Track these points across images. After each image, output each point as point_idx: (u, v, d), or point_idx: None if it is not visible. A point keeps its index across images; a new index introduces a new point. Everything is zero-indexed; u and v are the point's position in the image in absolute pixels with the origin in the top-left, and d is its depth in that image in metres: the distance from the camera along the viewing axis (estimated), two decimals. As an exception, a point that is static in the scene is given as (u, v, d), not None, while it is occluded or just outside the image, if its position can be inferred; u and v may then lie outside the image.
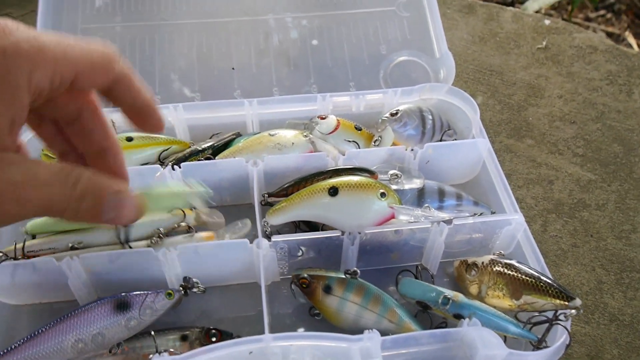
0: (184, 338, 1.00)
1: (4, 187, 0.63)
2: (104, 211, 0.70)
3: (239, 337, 0.91)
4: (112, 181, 0.72)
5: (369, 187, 1.08)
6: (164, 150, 1.29)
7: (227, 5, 1.58)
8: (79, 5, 1.54)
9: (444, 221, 1.08)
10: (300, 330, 1.07)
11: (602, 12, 3.50)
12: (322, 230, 1.12)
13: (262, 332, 0.91)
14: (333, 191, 1.07)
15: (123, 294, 0.95)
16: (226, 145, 1.30)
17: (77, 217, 0.70)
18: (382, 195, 1.07)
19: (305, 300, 1.09)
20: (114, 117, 1.32)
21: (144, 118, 0.79)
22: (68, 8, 1.53)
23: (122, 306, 0.93)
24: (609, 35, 3.11)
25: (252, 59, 1.53)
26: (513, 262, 1.06)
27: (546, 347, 0.98)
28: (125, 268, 1.04)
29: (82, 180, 0.69)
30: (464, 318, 0.98)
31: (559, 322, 0.97)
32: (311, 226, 1.19)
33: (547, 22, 1.86)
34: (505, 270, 1.05)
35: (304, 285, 1.04)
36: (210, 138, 1.33)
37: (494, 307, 1.03)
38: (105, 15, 1.53)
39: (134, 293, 0.95)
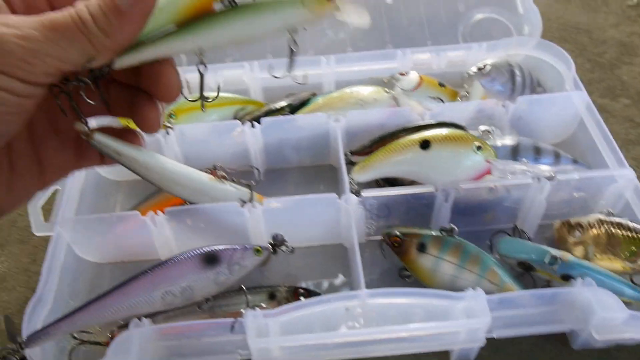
0: (271, 296, 0.96)
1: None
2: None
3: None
4: None
5: (464, 140, 1.00)
6: (239, 110, 1.25)
7: (297, -36, 1.53)
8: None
9: (545, 177, 1.00)
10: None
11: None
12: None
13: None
14: (425, 144, 1.00)
15: (213, 247, 0.90)
16: (302, 105, 1.25)
17: (101, 26, 0.61)
18: (478, 148, 1.00)
19: (393, 262, 1.03)
20: (187, 77, 1.29)
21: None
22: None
23: (211, 260, 0.89)
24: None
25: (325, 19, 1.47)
26: (625, 220, 0.97)
27: (666, 312, 0.89)
28: (209, 223, 1.00)
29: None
30: (573, 279, 0.89)
31: (684, 284, 0.88)
32: (393, 185, 1.12)
33: (636, -22, 1.72)
34: (617, 230, 0.96)
35: (396, 244, 0.97)
36: (286, 98, 1.27)
37: (604, 269, 0.94)
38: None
39: (223, 247, 0.91)
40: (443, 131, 1.03)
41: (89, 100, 0.69)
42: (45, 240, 1.03)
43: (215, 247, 0.92)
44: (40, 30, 0.60)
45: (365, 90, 1.19)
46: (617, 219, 0.97)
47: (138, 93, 0.77)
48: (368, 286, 1.03)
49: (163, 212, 0.97)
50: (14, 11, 0.68)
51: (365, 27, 0.84)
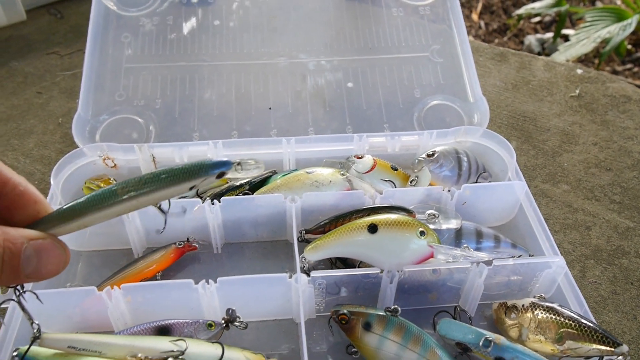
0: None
1: None
2: (22, 264, 0.64)
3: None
4: (25, 230, 0.66)
5: (409, 225, 1.08)
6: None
7: (265, 47, 1.64)
8: (124, 45, 1.60)
9: (483, 262, 1.07)
10: (337, 369, 1.06)
11: (629, 65, 3.53)
12: (359, 267, 1.12)
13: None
14: (372, 228, 1.07)
15: (166, 321, 0.94)
16: (262, 182, 1.32)
17: None
18: (422, 233, 1.07)
19: (342, 338, 1.07)
20: (154, 152, 1.35)
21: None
22: (114, 48, 1.59)
23: (163, 333, 0.93)
24: (637, 87, 3.13)
25: (289, 99, 1.57)
26: (555, 305, 1.04)
27: (591, 395, 0.95)
28: (164, 300, 1.04)
29: None
30: (505, 361, 0.95)
31: (605, 368, 0.95)
32: (347, 264, 1.19)
33: (579, 71, 1.87)
34: (547, 314, 1.03)
35: (343, 322, 1.03)
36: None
37: (536, 351, 1.00)
38: (148, 55, 1.59)
39: (176, 321, 0.95)
40: (391, 216, 1.10)
41: None
42: (2, 310, 1.05)
43: (169, 321, 0.96)
44: None
45: (322, 172, 1.27)
46: (548, 304, 1.04)
47: None
48: (316, 360, 1.07)
49: (119, 288, 1.01)
50: None
51: None
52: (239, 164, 0.73)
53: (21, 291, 0.75)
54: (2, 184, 0.69)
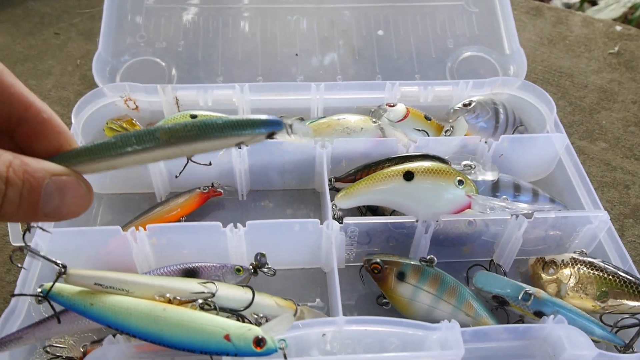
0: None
1: None
2: (42, 200, 0.56)
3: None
4: (47, 163, 0.58)
5: (446, 173, 1.03)
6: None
7: (293, -9, 1.56)
8: (145, -15, 1.53)
9: (523, 214, 1.02)
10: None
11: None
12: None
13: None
14: (408, 176, 1.02)
15: (193, 263, 0.91)
16: (290, 128, 1.26)
17: (8, 214, 0.56)
18: (460, 183, 1.02)
19: (372, 289, 1.04)
20: (178, 94, 1.30)
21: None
22: (135, -12, 1.52)
23: (190, 276, 0.89)
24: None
25: (316, 46, 1.50)
26: (597, 260, 1.00)
27: (632, 352, 0.91)
28: (190, 242, 1.00)
29: (9, 164, 0.54)
30: (545, 315, 0.91)
31: (651, 326, 0.90)
32: (376, 214, 1.14)
33: (618, 28, 1.79)
34: (589, 270, 0.98)
35: (376, 271, 0.99)
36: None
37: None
38: (171, -4, 1.52)
39: (203, 264, 0.91)
40: (426, 164, 1.05)
41: None
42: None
43: (196, 264, 0.93)
44: None
45: (353, 119, 1.21)
46: (590, 259, 1.00)
47: None
48: (345, 312, 1.04)
49: (145, 229, 0.97)
50: None
51: None
52: (291, 125, 0.65)
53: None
54: (23, 109, 0.61)
